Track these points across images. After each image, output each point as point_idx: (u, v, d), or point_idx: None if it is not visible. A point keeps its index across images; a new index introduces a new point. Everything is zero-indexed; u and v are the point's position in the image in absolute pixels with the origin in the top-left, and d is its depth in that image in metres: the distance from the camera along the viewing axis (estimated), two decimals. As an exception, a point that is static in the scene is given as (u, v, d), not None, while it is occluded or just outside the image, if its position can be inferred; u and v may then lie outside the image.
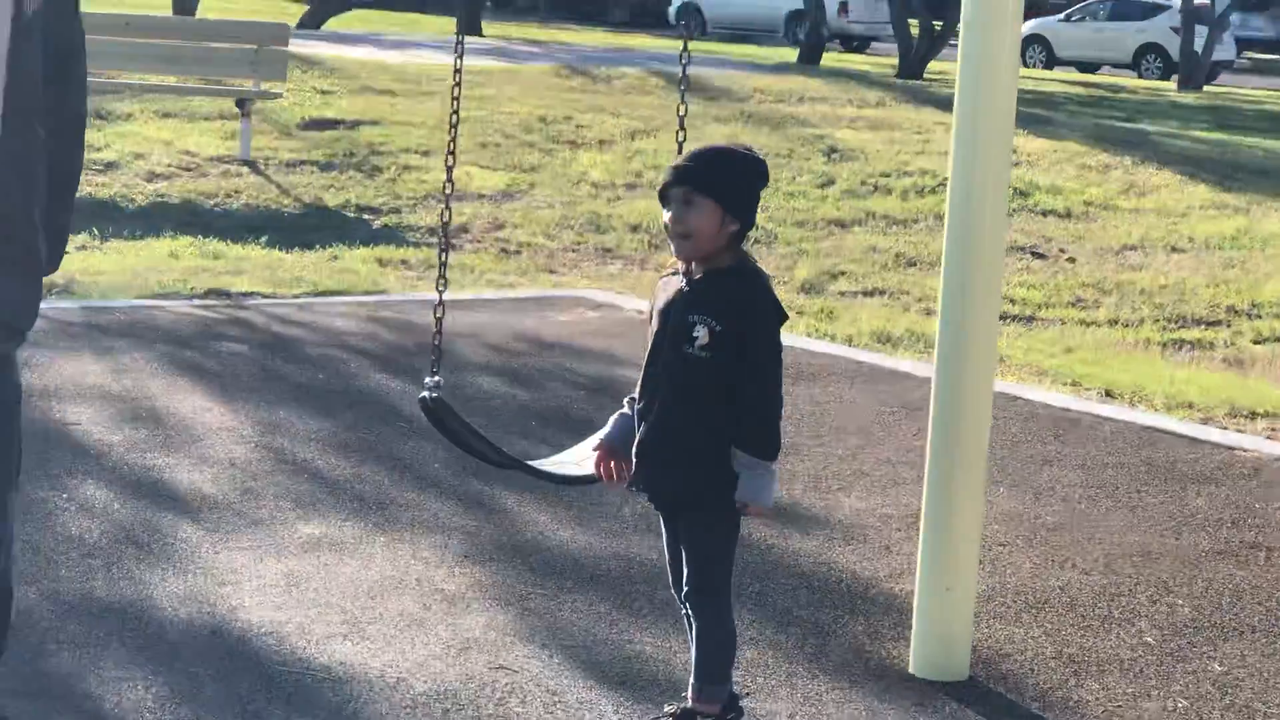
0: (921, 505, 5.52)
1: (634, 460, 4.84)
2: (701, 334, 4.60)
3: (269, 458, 7.46)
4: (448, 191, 5.80)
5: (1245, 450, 8.64)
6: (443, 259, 5.75)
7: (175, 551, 6.18)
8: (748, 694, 5.07)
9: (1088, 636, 5.86)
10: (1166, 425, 9.14)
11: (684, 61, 5.85)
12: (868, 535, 6.84)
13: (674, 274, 4.75)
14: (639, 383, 4.85)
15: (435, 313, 5.58)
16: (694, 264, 4.64)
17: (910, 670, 5.42)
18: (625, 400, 4.98)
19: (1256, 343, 12.20)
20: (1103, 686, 5.40)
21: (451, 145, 5.82)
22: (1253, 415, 9.59)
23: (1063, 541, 6.90)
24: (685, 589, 4.80)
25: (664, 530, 4.92)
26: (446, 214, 5.79)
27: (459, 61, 5.73)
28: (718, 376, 4.66)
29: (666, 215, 4.60)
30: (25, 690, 4.92)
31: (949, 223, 5.46)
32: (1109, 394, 10.04)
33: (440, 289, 5.70)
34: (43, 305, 10.05)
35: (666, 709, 4.87)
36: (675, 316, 4.67)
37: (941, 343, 5.44)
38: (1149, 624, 6.01)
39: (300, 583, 5.92)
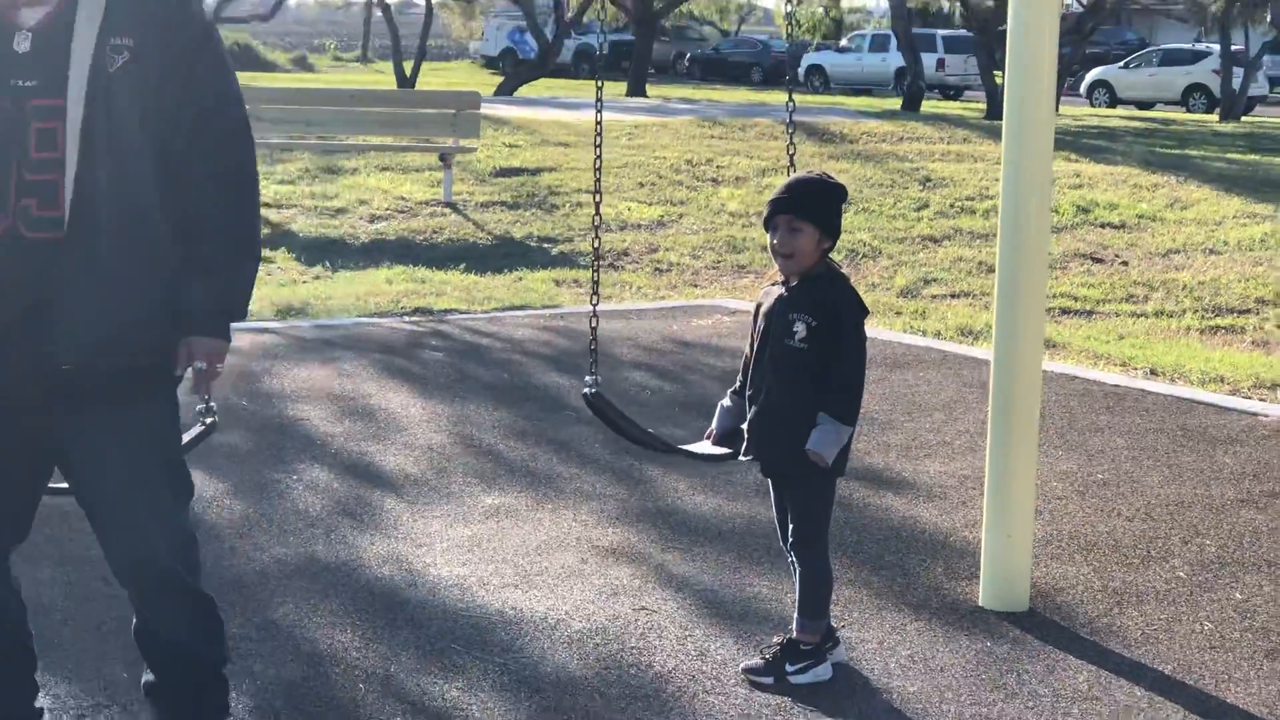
0: (985, 466, 6.21)
1: (746, 436, 5.40)
2: (800, 329, 5.17)
3: (459, 443, 8.28)
4: (596, 223, 6.26)
5: (1267, 415, 9.32)
6: (595, 278, 6.14)
7: (381, 521, 7.00)
8: (843, 626, 5.63)
9: (1129, 572, 6.55)
10: (1200, 397, 9.83)
11: (790, 109, 6.20)
12: (947, 494, 7.56)
13: (774, 285, 5.39)
14: (744, 375, 5.47)
15: (591, 322, 6.09)
16: (791, 276, 5.27)
17: (979, 603, 6.10)
18: (728, 393, 5.62)
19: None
20: (1141, 614, 6.07)
21: (596, 184, 6.40)
22: (1274, 386, 10.22)
23: (1109, 495, 7.59)
24: (790, 541, 5.39)
25: (772, 493, 5.50)
26: (596, 241, 6.15)
27: (599, 115, 6.48)
28: (813, 363, 5.18)
29: (773, 239, 5.26)
30: (258, 635, 5.67)
31: (1001, 233, 6.09)
32: (1153, 372, 10.71)
33: (594, 303, 6.16)
34: (280, 324, 11.04)
35: (775, 639, 5.43)
36: (777, 318, 5.25)
37: (998, 333, 6.11)
38: (1181, 561, 6.71)
39: (481, 543, 6.71)
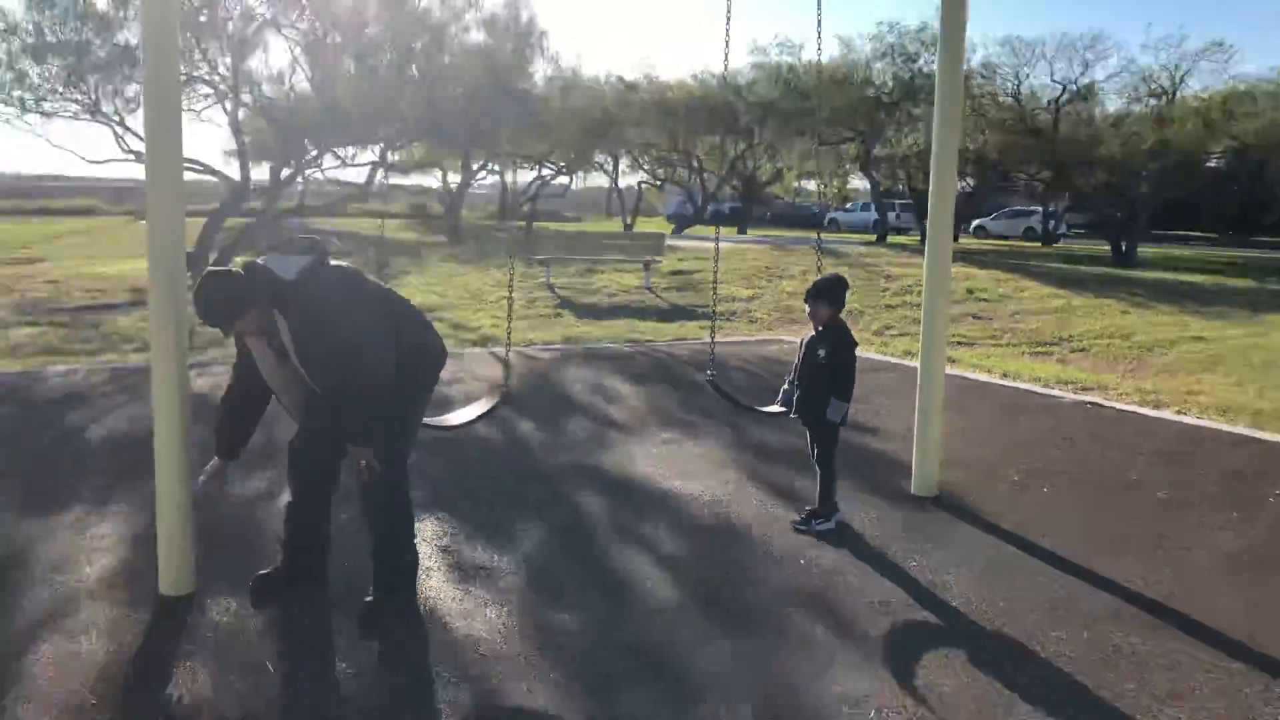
0: (914, 423, 6.21)
1: (795, 404, 5.49)
2: (822, 353, 5.35)
3: (651, 406, 8.29)
4: (714, 298, 6.50)
5: (1063, 399, 9.09)
6: (713, 327, 6.47)
7: (611, 444, 7.05)
8: (840, 507, 5.67)
9: (983, 479, 6.47)
10: (1027, 388, 9.61)
11: (819, 241, 6.58)
12: (895, 437, 7.46)
13: (811, 331, 5.48)
14: (794, 374, 5.53)
15: (711, 348, 6.36)
16: (817, 326, 5.43)
17: (911, 491, 6.09)
18: (786, 381, 5.64)
19: (1071, 352, 12.46)
20: (995, 498, 6.01)
21: (715, 275, 6.43)
22: (1068, 383, 9.98)
23: (977, 438, 7.49)
24: (815, 458, 5.48)
25: (807, 434, 5.53)
26: (714, 304, 6.49)
27: (717, 245, 6.51)
28: (828, 370, 5.33)
29: (807, 309, 5.45)
30: (548, 501, 5.89)
31: (924, 300, 6.06)
32: (1004, 374, 10.47)
33: (712, 337, 6.37)
34: (565, 347, 11.05)
35: (807, 509, 5.52)
36: (810, 346, 5.41)
37: (922, 355, 6.10)
38: (1016, 472, 6.61)
39: (660, 458, 6.76)
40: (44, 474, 6.02)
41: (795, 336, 12.93)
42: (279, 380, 4.13)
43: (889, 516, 5.66)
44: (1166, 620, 4.34)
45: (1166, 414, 8.53)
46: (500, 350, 11.16)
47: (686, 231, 37.12)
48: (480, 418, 5.17)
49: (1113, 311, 15.77)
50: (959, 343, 12.73)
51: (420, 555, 4.86)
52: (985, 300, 16.73)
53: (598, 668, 3.81)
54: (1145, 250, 30.30)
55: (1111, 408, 8.71)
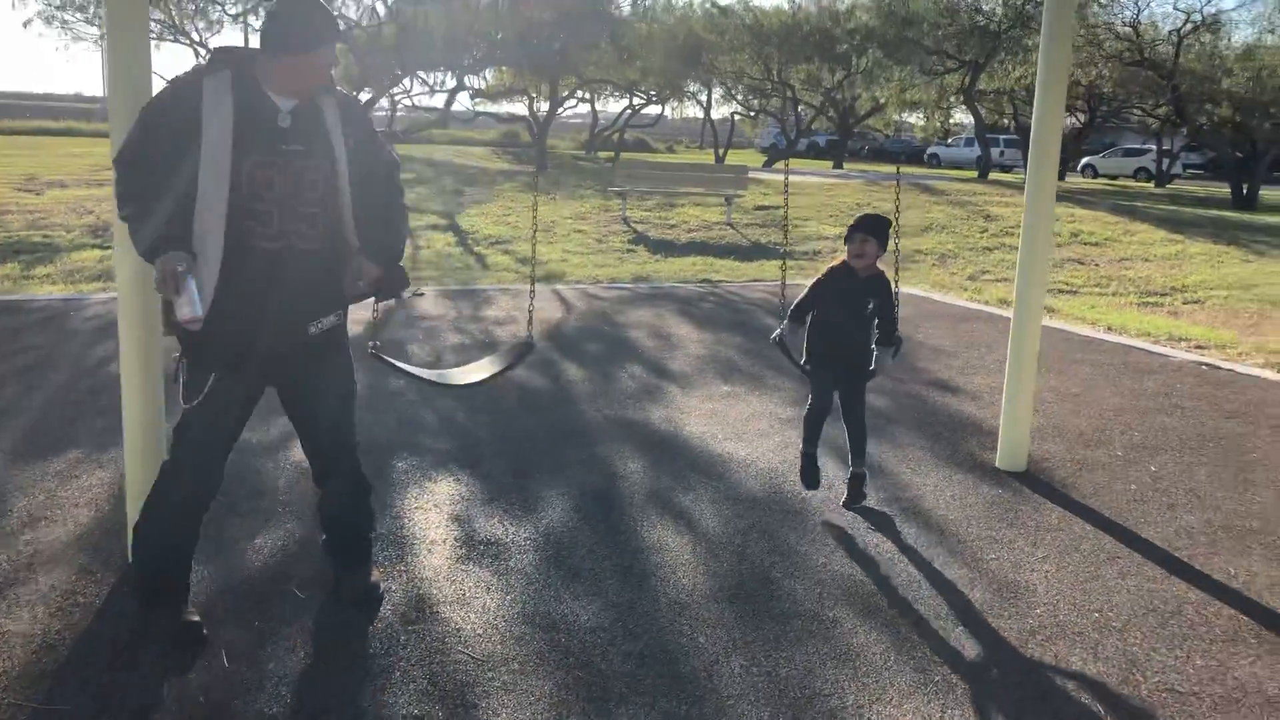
0: (1004, 381, 5.43)
1: (815, 357, 4.66)
2: (872, 305, 4.54)
3: (712, 354, 7.62)
4: (785, 238, 5.74)
5: (1174, 358, 8.15)
6: (783, 267, 5.66)
7: (664, 397, 6.42)
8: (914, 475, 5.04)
9: (1087, 450, 5.70)
10: (1135, 344, 8.65)
11: (898, 177, 5.60)
12: (982, 396, 6.71)
13: (843, 271, 4.53)
14: (800, 316, 4.61)
15: (781, 293, 5.33)
16: (860, 269, 4.51)
17: (996, 465, 5.36)
18: (784, 326, 4.69)
19: (1184, 304, 11.28)
20: (1092, 477, 5.26)
21: (785, 212, 5.69)
22: (1180, 339, 9.00)
23: (1078, 402, 6.64)
24: (848, 419, 4.66)
25: (833, 388, 4.67)
26: (785, 246, 5.73)
27: (786, 180, 5.73)
28: (874, 321, 4.58)
29: (851, 247, 4.50)
30: (587, 460, 5.25)
31: (1022, 244, 5.31)
32: (1110, 328, 9.50)
33: (782, 284, 5.63)
34: (632, 285, 10.39)
35: (853, 473, 4.71)
36: (850, 294, 4.51)
37: (1017, 300, 5.31)
38: (1119, 445, 5.83)
39: (717, 413, 6.12)
40: (48, 411, 5.61)
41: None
42: (288, 182, 3.13)
43: (967, 495, 4.92)
44: (1300, 646, 3.58)
45: (1294, 379, 7.56)
46: (563, 288, 10.54)
47: (778, 164, 35.85)
48: (498, 375, 4.57)
49: (1232, 260, 14.48)
50: (1060, 290, 11.73)
51: (428, 524, 4.32)
52: (1091, 244, 15.54)
53: (602, 681, 3.20)
54: (1268, 193, 28.34)
55: (1230, 370, 7.74)
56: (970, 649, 3.46)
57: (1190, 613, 3.78)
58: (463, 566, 3.95)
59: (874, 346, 4.65)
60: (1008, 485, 5.09)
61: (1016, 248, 15.85)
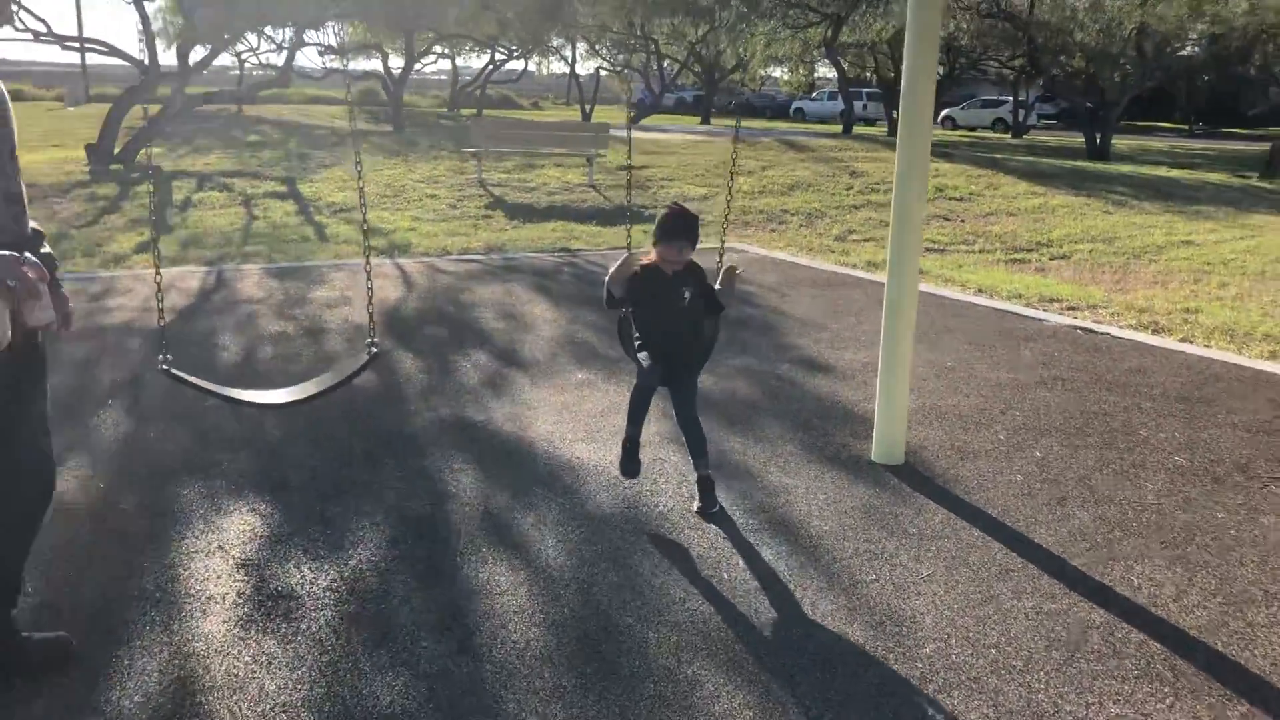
0: (879, 358, 4.88)
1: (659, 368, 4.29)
2: (688, 294, 4.12)
3: (568, 337, 6.92)
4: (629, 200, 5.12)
5: (1048, 322, 7.78)
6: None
7: (511, 390, 5.73)
8: (786, 475, 4.48)
9: (968, 435, 5.23)
10: (1009, 308, 8.24)
11: (736, 133, 5.09)
12: (855, 375, 6.18)
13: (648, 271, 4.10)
14: (634, 339, 4.23)
15: (626, 225, 4.72)
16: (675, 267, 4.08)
17: (872, 458, 4.83)
18: (637, 354, 4.26)
19: (1050, 259, 11.06)
20: (975, 468, 4.77)
21: (629, 176, 5.04)
22: (1052, 300, 8.65)
23: (955, 378, 6.18)
24: (684, 418, 4.13)
25: (669, 390, 4.29)
26: (629, 227, 5.07)
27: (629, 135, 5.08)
28: (697, 309, 4.15)
29: (667, 252, 4.04)
30: (410, 475, 4.62)
31: (895, 199, 4.69)
32: (980, 290, 9.12)
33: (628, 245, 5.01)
34: (483, 256, 9.59)
35: (701, 476, 4.17)
36: (666, 289, 4.08)
37: (891, 264, 4.75)
38: (1001, 426, 5.37)
39: (569, 407, 5.46)
40: None
41: (750, 244, 11.66)
42: None
43: (841, 498, 4.36)
44: (1235, 681, 3.10)
45: (1169, 341, 7.25)
46: (406, 262, 9.67)
47: (645, 120, 35.12)
48: (329, 390, 3.79)
49: (1093, 211, 14.44)
50: (928, 248, 11.37)
51: (207, 574, 3.55)
52: (955, 199, 15.33)
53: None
54: (1118, 142, 28.94)
55: (1106, 333, 7.41)
56: (855, 709, 2.89)
57: (1097, 641, 3.29)
58: (242, 633, 3.20)
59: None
60: (885, 483, 4.56)
61: (883, 205, 15.66)
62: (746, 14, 29.77)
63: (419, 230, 11.46)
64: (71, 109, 33.26)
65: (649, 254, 4.16)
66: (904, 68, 4.63)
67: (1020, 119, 37.15)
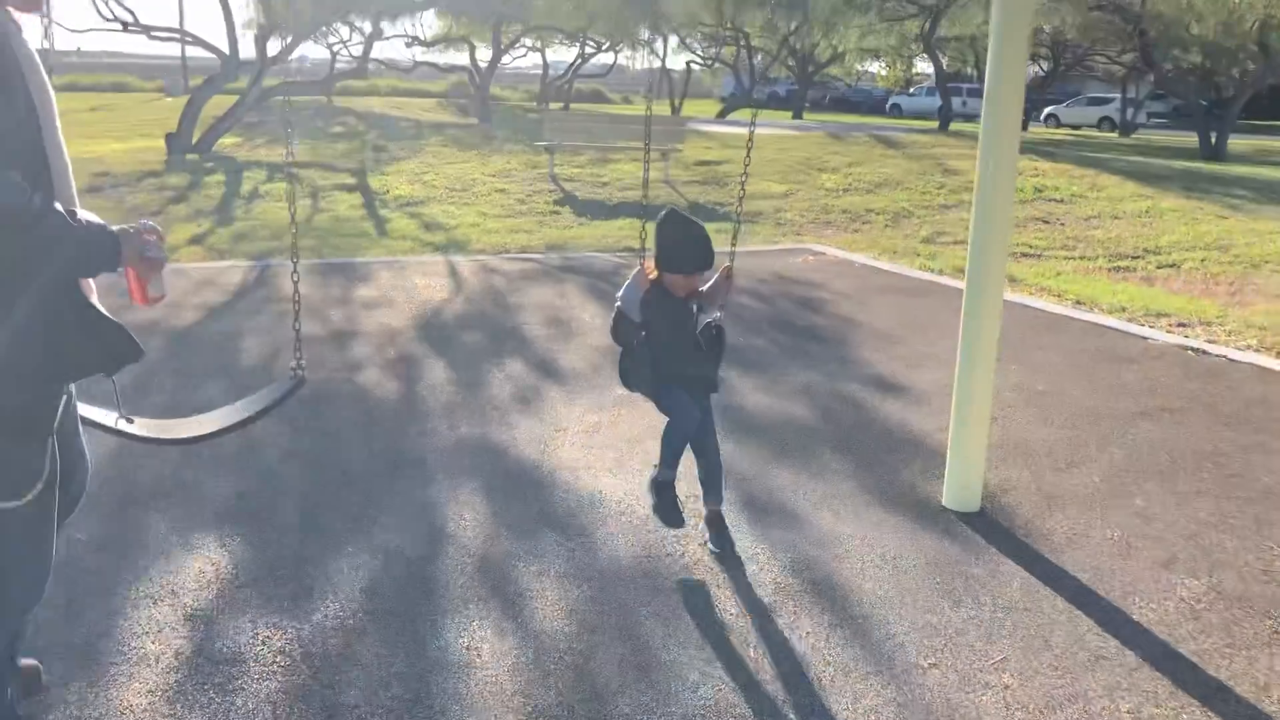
0: (954, 394, 4.19)
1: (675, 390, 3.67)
2: (696, 308, 3.59)
3: (612, 345, 6.27)
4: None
5: (1155, 340, 6.94)
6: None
7: (541, 408, 5.16)
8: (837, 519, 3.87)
9: (1057, 477, 4.51)
10: (1110, 324, 7.40)
11: (752, 123, 4.42)
12: (931, 399, 5.42)
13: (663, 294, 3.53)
14: (645, 356, 3.63)
15: (640, 234, 3.63)
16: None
17: (943, 503, 4.14)
18: (639, 371, 3.75)
19: (1158, 268, 10.08)
20: (1065, 517, 4.05)
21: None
22: (1159, 315, 7.76)
23: (1046, 406, 5.41)
24: (709, 449, 3.64)
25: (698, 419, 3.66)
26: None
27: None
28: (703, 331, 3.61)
29: (678, 280, 3.49)
30: (408, 510, 4.10)
31: (976, 203, 3.98)
32: (1078, 301, 8.26)
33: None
34: (542, 255, 9.06)
35: (712, 510, 3.68)
36: (675, 310, 3.53)
37: (970, 277, 4.03)
38: (1096, 467, 4.62)
39: (601, 429, 4.89)
40: None
41: (829, 245, 10.95)
42: None
43: (903, 554, 3.71)
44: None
45: (1296, 366, 6.40)
46: (460, 260, 9.19)
47: (732, 115, 34.42)
48: (245, 424, 3.24)
49: (1207, 216, 13.34)
50: (1022, 254, 10.52)
51: (149, 626, 3.07)
52: (1056, 201, 14.34)
53: None
54: (1235, 143, 27.31)
55: (1221, 356, 6.56)
56: None
57: (1212, 767, 2.61)
58: (166, 708, 2.70)
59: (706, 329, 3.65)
60: (956, 535, 3.89)
61: (976, 204, 14.81)
62: (840, 6, 28.86)
63: (482, 226, 10.99)
64: (170, 99, 33.79)
65: (649, 268, 3.55)
66: (989, 54, 3.93)
67: (1129, 117, 35.50)
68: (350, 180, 13.87)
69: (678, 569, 3.54)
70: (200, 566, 3.44)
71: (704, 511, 3.72)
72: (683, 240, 3.49)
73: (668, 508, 3.61)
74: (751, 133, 4.08)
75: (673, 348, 3.52)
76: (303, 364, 3.22)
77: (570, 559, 3.58)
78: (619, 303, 3.50)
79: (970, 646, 3.12)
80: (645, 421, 4.98)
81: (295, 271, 3.31)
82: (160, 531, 3.69)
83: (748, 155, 4.22)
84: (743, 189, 4.26)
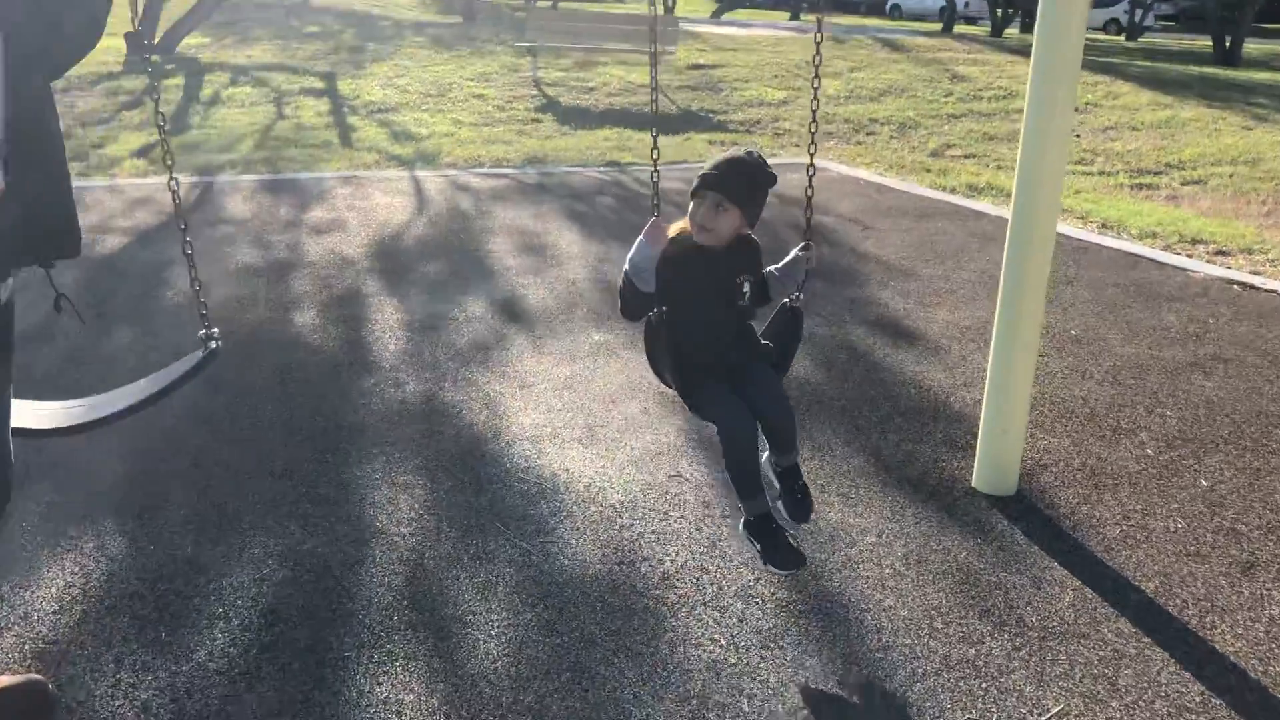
0: (990, 345, 3.50)
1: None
2: (746, 286, 2.59)
3: (593, 279, 5.60)
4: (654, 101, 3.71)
5: (1194, 272, 6.22)
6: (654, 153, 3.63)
7: (503, 360, 4.47)
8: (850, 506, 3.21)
9: (1103, 450, 3.81)
10: (1143, 252, 6.68)
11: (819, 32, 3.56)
12: (951, 347, 4.75)
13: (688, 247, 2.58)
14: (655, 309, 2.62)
15: (652, 178, 2.80)
16: (711, 238, 2.56)
17: (972, 484, 3.47)
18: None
19: (1183, 184, 9.32)
20: (1117, 502, 3.39)
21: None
22: (1194, 241, 7.02)
23: (1082, 355, 4.70)
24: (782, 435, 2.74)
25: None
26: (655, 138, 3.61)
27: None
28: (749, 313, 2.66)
29: (699, 211, 2.56)
30: (317, 502, 3.42)
31: (1026, 124, 3.26)
32: (1104, 225, 7.49)
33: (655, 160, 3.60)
34: (515, 170, 8.20)
35: (782, 491, 2.79)
36: (708, 268, 2.57)
37: (1015, 219, 3.33)
38: (1148, 433, 3.95)
39: (573, 385, 4.18)
40: None
41: (830, 159, 10.10)
42: None
43: (927, 554, 3.05)
44: None
45: (1355, 304, 5.70)
46: (428, 175, 8.36)
47: (726, 15, 33.00)
48: (148, 403, 2.54)
49: (1230, 127, 12.48)
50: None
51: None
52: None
53: None
54: (1250, 47, 26.17)
55: (1272, 291, 5.85)
56: None
57: None
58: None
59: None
60: (991, 529, 3.22)
61: (986, 115, 13.89)
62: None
63: (456, 136, 10.12)
64: (141, -3, 32.23)
65: (678, 221, 2.67)
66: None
67: (1136, 20, 34.17)
68: (319, 85, 12.91)
69: (656, 580, 2.88)
70: (64, 581, 2.77)
71: (774, 473, 2.83)
72: (720, 163, 2.62)
73: (778, 549, 2.62)
74: (819, 42, 3.16)
75: (703, 329, 2.65)
76: (214, 332, 2.54)
77: (524, 567, 2.91)
78: (626, 267, 2.64)
79: (1017, 691, 2.48)
80: (624, 376, 4.29)
81: (179, 209, 2.59)
82: (22, 527, 3.01)
83: (815, 77, 3.22)
84: (814, 125, 3.32)
